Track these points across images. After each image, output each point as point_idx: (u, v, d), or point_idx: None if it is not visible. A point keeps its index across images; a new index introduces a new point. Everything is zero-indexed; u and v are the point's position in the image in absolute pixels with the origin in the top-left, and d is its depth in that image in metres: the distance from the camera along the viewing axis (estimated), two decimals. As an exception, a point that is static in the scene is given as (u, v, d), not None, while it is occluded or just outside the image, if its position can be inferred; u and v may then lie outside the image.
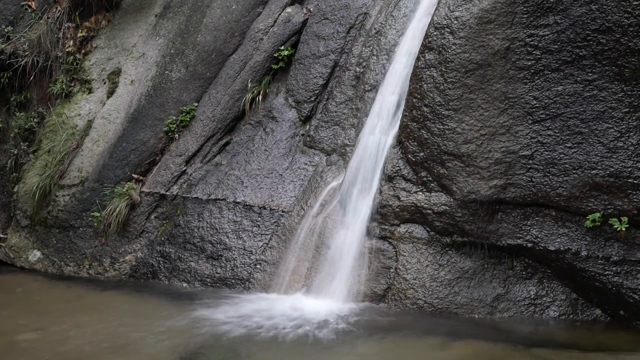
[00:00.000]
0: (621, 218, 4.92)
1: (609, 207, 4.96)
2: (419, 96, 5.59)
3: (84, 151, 7.76)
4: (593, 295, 5.24)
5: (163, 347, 4.75)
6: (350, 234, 5.93)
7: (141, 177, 7.41)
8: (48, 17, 8.43)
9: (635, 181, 4.82)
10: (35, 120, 8.23)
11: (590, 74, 4.91)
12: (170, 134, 7.53)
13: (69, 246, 7.33)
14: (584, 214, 5.06)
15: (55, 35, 8.33)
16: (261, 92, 7.42)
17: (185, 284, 6.56)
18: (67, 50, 8.33)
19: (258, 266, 6.32)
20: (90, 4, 8.42)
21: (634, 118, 4.80)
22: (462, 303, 5.45)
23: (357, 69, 6.93)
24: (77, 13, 8.44)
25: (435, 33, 5.46)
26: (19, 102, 8.40)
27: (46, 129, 8.12)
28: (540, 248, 5.27)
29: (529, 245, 5.31)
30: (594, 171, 4.96)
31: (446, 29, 5.38)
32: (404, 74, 6.21)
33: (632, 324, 5.04)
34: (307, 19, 7.58)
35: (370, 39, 6.97)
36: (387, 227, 5.83)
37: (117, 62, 8.25)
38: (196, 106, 7.56)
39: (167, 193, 7.20)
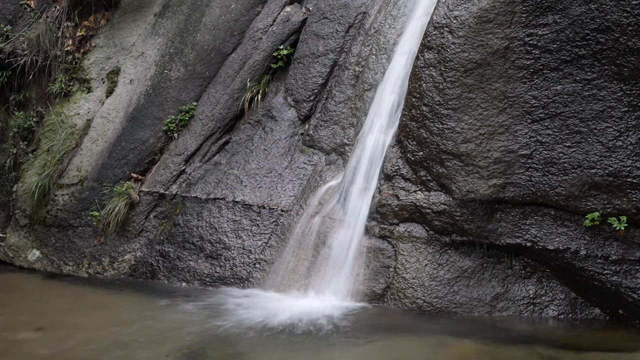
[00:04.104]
0: (620, 217, 4.92)
1: (608, 206, 4.96)
2: (418, 95, 5.59)
3: (83, 150, 7.76)
4: (592, 294, 5.24)
5: (162, 346, 4.75)
6: (349, 233, 5.93)
7: (140, 177, 7.41)
8: (47, 16, 8.43)
9: (634, 180, 4.82)
10: (34, 119, 8.22)
11: (590, 73, 4.91)
12: (169, 133, 7.52)
13: (68, 245, 7.32)
14: (583, 213, 5.07)
15: (54, 35, 8.32)
16: (260, 91, 7.42)
17: (184, 283, 6.56)
18: (66, 49, 8.32)
19: (257, 265, 6.32)
20: (89, 3, 8.41)
21: (633, 117, 4.80)
22: (461, 302, 5.45)
23: (357, 68, 6.93)
24: (76, 12, 8.43)
25: (434, 32, 5.46)
26: (18, 101, 8.39)
27: (45, 128, 8.11)
28: (539, 247, 5.27)
29: (528, 244, 5.31)
30: (593, 170, 4.96)
31: (445, 28, 5.38)
32: (403, 73, 6.21)
33: (631, 323, 5.05)
34: (306, 18, 7.58)
35: (369, 38, 6.98)
36: (386, 226, 5.83)
37: (116, 61, 8.24)
38: (195, 105, 7.55)
39: (166, 192, 7.20)
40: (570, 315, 5.31)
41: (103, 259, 7.08)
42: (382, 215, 5.85)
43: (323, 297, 5.78)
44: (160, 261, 6.80)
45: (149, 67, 7.96)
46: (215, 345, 4.74)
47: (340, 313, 5.42)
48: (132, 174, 7.39)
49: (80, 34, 8.41)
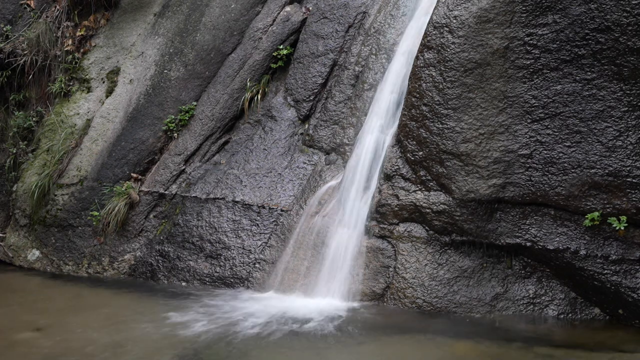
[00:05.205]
0: (620, 217, 4.92)
1: (607, 206, 4.96)
2: (418, 95, 5.59)
3: (83, 150, 7.76)
4: (592, 294, 5.24)
5: (162, 346, 4.75)
6: (349, 233, 5.93)
7: (140, 176, 7.41)
8: (47, 16, 8.43)
9: (634, 180, 4.82)
10: (34, 119, 8.23)
11: (589, 73, 4.91)
12: (169, 133, 7.52)
13: (68, 245, 7.32)
14: (583, 213, 5.06)
15: (54, 34, 8.32)
16: (260, 91, 7.42)
17: (184, 283, 6.56)
18: (66, 49, 8.32)
19: (257, 265, 6.32)
20: (89, 3, 8.41)
21: (632, 117, 4.80)
22: (461, 302, 5.45)
23: (356, 68, 6.93)
24: (76, 12, 8.44)
25: (434, 32, 5.46)
26: (18, 101, 8.40)
27: (45, 128, 8.11)
28: (539, 247, 5.27)
29: (528, 244, 5.31)
30: (592, 170, 4.96)
31: (445, 28, 5.38)
32: (403, 73, 6.21)
33: (631, 323, 5.05)
34: (306, 18, 7.58)
35: (369, 38, 6.97)
36: (386, 226, 5.83)
37: (116, 61, 8.24)
38: (195, 105, 7.55)
39: (166, 192, 7.20)
40: (570, 315, 5.30)
41: (103, 259, 7.08)
42: (381, 215, 5.85)
43: (323, 296, 5.78)
44: (160, 261, 6.80)
45: (148, 66, 7.96)
46: (215, 345, 4.74)
47: (340, 313, 5.42)
48: (131, 174, 7.39)
49: (80, 33, 8.41)
